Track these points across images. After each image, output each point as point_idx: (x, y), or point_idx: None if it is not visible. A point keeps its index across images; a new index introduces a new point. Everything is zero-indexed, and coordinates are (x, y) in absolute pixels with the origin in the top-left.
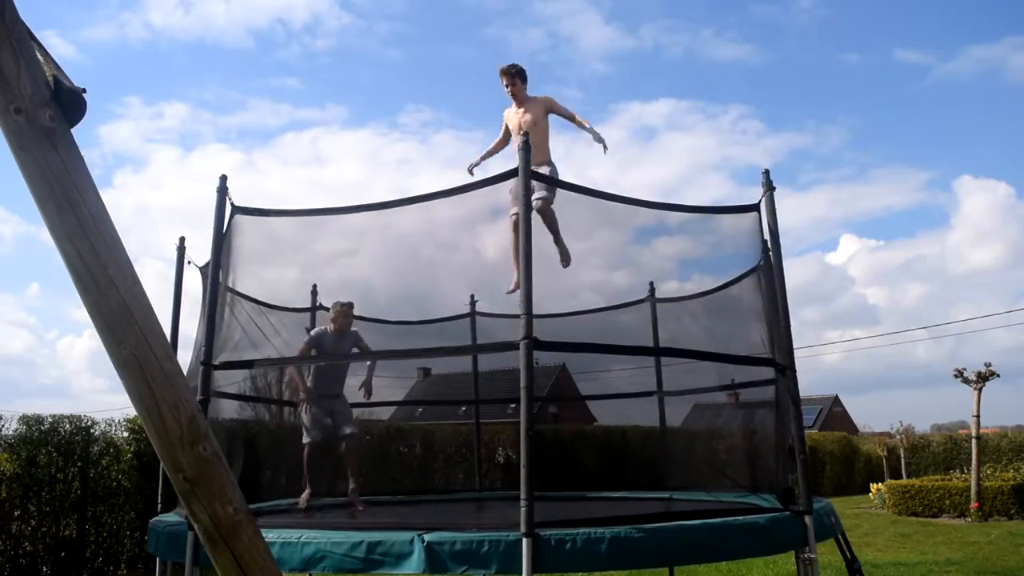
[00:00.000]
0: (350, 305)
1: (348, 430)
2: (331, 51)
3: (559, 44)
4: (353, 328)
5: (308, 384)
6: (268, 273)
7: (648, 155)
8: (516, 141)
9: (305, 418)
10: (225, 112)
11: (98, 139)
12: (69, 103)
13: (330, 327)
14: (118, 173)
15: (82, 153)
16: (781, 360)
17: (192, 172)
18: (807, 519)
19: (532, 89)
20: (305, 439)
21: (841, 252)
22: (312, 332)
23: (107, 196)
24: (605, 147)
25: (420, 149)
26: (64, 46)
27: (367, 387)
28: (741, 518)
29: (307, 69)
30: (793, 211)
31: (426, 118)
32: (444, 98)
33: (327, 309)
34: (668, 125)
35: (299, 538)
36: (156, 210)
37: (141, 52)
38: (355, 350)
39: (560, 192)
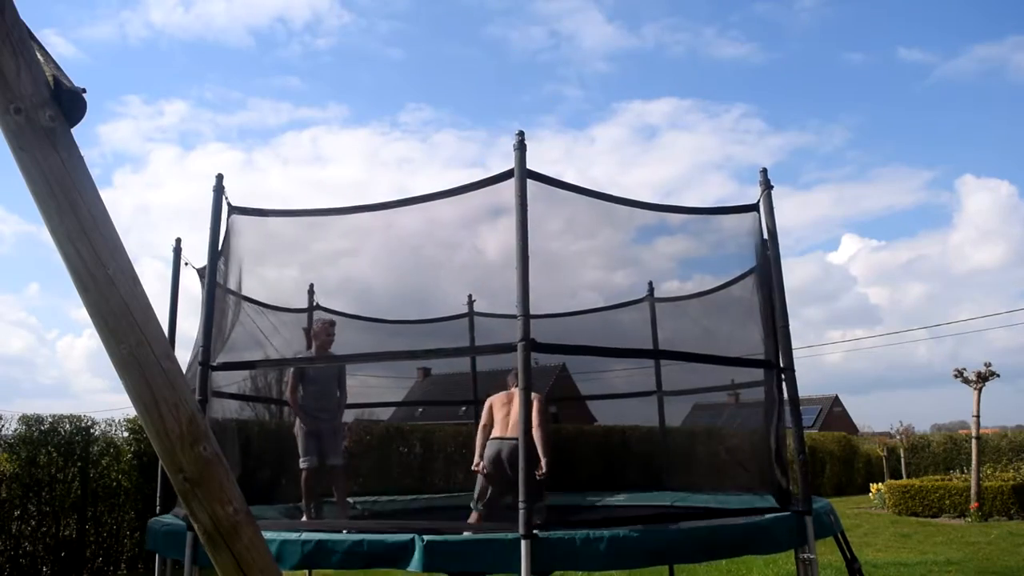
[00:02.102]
0: (331, 323)
1: (333, 461)
2: (332, 50)
3: (560, 43)
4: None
5: (300, 403)
6: (266, 273)
7: (650, 154)
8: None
9: (300, 443)
10: (225, 111)
11: (98, 138)
12: (69, 103)
13: (313, 348)
14: (118, 172)
15: (82, 153)
16: (781, 360)
17: (192, 171)
18: (807, 519)
19: (532, 86)
20: (302, 464)
21: (843, 252)
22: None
23: (107, 196)
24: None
25: (421, 148)
26: (64, 45)
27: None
28: (741, 518)
29: (307, 68)
30: (795, 210)
31: (427, 117)
32: (445, 97)
33: (325, 309)
34: (670, 124)
35: (299, 537)
36: (156, 209)
37: (141, 51)
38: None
39: (562, 192)
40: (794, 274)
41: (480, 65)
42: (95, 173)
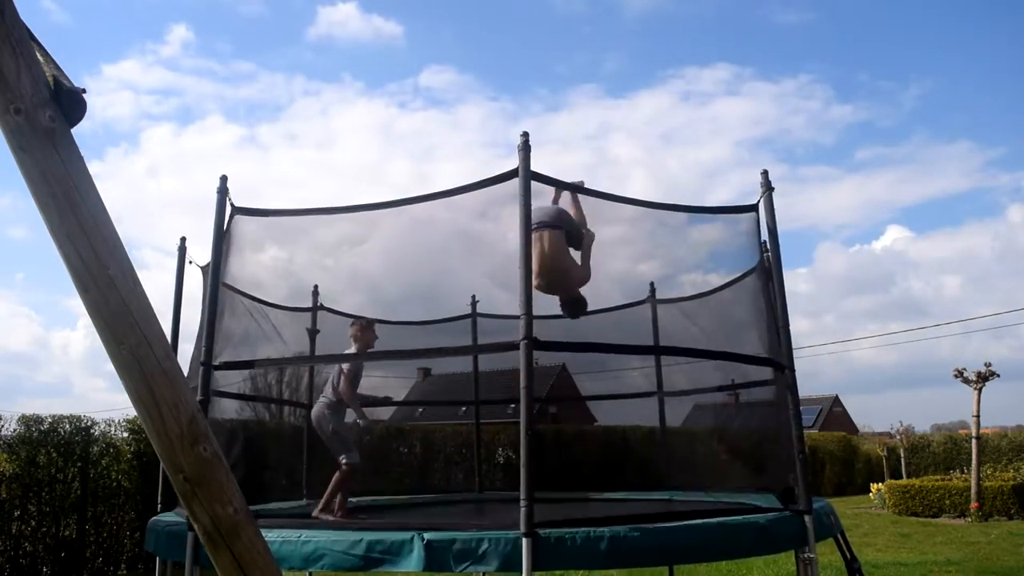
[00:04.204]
0: (371, 322)
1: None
2: (348, 19)
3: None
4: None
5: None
6: (269, 273)
7: (700, 127)
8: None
9: (343, 438)
10: (234, 83)
11: (92, 115)
12: (69, 103)
13: (354, 348)
14: (111, 150)
15: (82, 153)
16: (781, 360)
17: (191, 148)
18: (807, 519)
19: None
20: (351, 459)
21: (887, 239)
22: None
23: (101, 171)
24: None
25: (442, 119)
26: (59, 12)
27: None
28: (741, 518)
29: (323, 41)
30: (839, 193)
31: (454, 82)
32: (476, 63)
33: (328, 310)
34: (726, 91)
35: (299, 537)
36: (152, 200)
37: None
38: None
39: (562, 192)
40: (834, 263)
41: (516, 31)
42: (90, 154)
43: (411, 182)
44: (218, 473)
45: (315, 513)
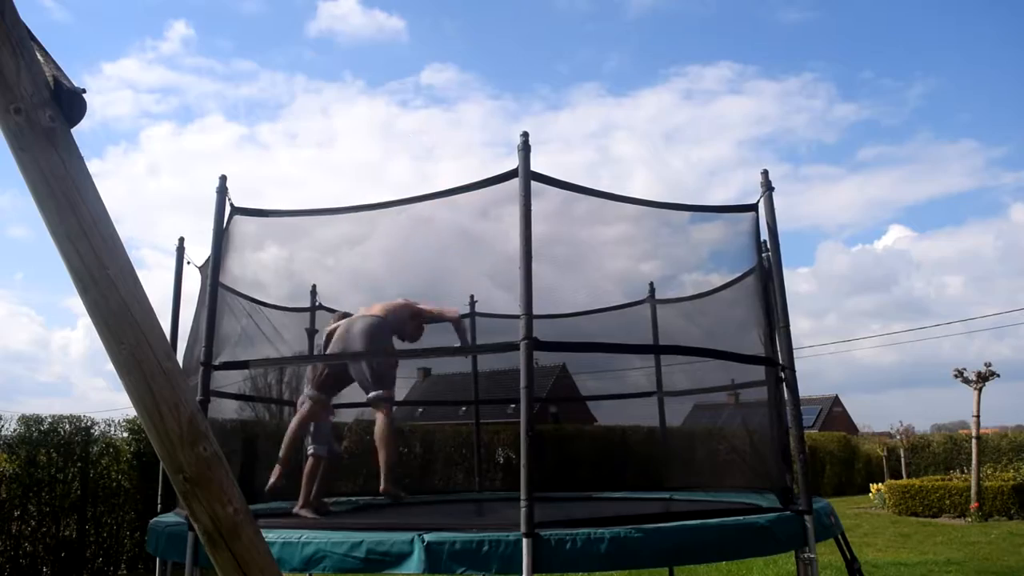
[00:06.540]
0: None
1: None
2: (349, 14)
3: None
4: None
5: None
6: (269, 273)
7: (703, 125)
8: None
9: (317, 426)
10: (234, 81)
11: (92, 114)
12: (69, 103)
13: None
14: (111, 149)
15: (82, 153)
16: (781, 360)
17: (191, 147)
18: (807, 519)
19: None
20: (317, 451)
21: (889, 239)
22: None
23: (102, 169)
24: None
25: (444, 117)
26: (60, 10)
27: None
28: (741, 518)
29: (324, 36)
30: (842, 193)
31: (455, 80)
32: (479, 61)
33: (328, 309)
34: (729, 90)
35: (299, 538)
36: (152, 199)
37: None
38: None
39: (561, 192)
40: (837, 262)
41: (516, 28)
42: (93, 154)
43: (412, 181)
44: (218, 473)
45: (295, 510)
